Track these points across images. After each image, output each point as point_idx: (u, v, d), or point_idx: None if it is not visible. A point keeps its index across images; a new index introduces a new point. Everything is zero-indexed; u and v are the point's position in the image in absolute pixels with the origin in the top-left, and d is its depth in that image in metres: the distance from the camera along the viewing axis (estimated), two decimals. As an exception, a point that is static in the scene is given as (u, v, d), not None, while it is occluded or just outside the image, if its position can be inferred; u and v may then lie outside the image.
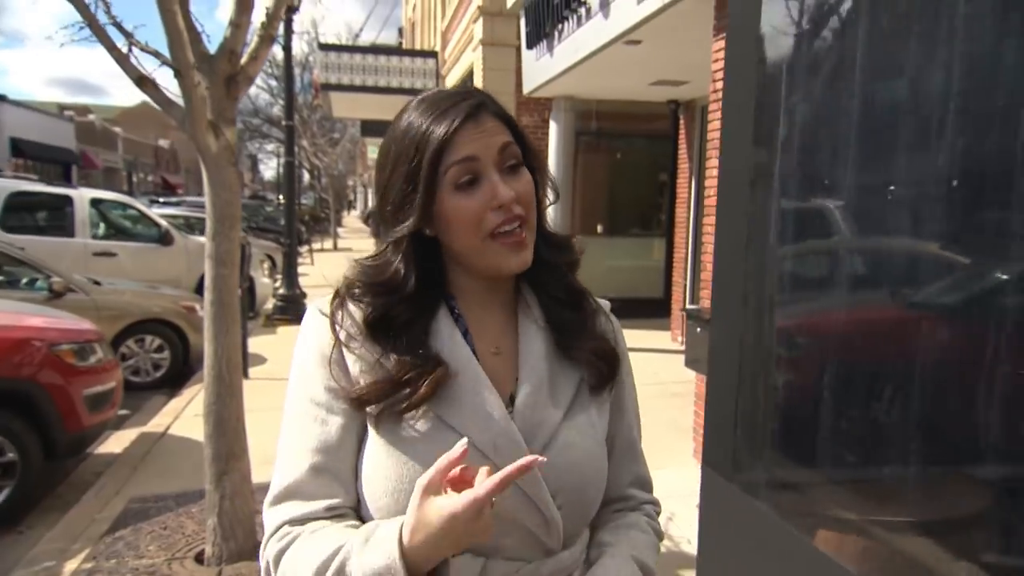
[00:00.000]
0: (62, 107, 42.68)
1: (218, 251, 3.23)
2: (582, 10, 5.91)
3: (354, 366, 0.92)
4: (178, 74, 3.02)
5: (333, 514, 0.90)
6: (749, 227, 1.46)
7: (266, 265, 11.33)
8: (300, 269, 10.35)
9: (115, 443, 5.05)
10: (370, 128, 23.65)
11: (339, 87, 12.32)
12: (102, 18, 3.19)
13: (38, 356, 3.88)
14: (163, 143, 51.98)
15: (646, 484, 1.12)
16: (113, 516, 3.73)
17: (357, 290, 0.95)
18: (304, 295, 9.65)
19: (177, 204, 16.81)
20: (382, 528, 0.83)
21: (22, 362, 3.83)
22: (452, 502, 0.75)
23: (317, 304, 0.98)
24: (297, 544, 0.87)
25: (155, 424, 5.34)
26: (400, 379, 0.89)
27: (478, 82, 9.54)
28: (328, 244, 24.26)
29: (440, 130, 0.88)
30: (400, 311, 0.93)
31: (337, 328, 0.93)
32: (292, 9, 3.15)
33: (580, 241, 1.06)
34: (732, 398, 1.61)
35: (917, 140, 1.15)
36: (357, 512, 0.93)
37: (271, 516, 0.91)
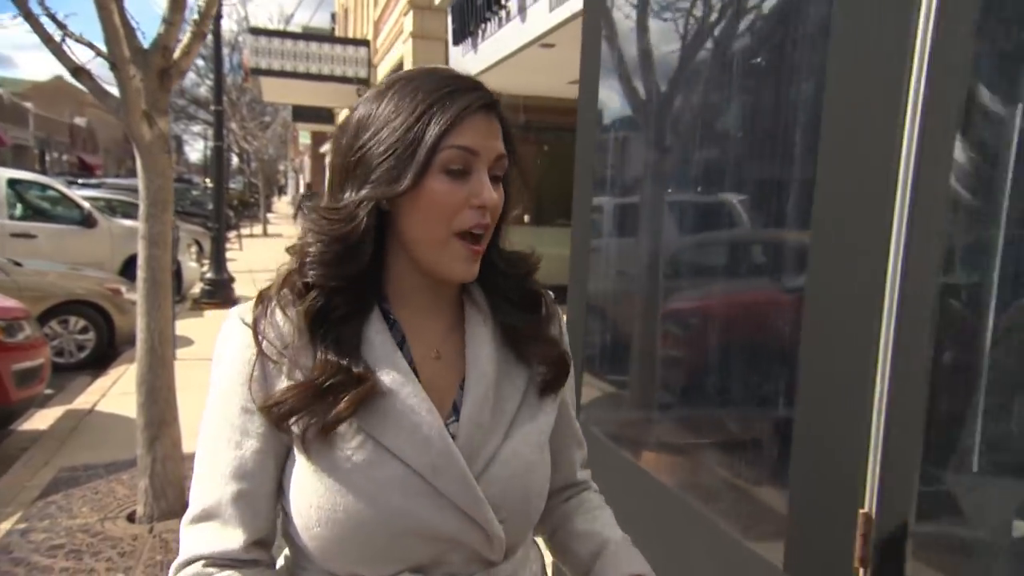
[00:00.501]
0: (-33, 79, 40.54)
1: (151, 232, 3.47)
2: (502, 12, 6.30)
3: (278, 382, 0.85)
4: (114, 67, 3.26)
5: (251, 557, 0.86)
6: (593, 219, 1.86)
7: (193, 249, 11.34)
8: (228, 255, 10.43)
9: (40, 420, 5.18)
10: (302, 113, 23.44)
11: (269, 72, 12.37)
12: (36, 9, 3.42)
13: (-33, 331, 4.06)
14: (79, 121, 49.91)
15: (586, 462, 1.12)
16: (43, 484, 3.95)
17: (310, 245, 0.86)
18: (232, 280, 9.77)
19: (97, 186, 16.43)
20: None
21: (-48, 337, 4.00)
22: None
23: (238, 311, 0.90)
24: None
25: (81, 401, 5.49)
26: (322, 384, 0.82)
27: (408, 73, 9.80)
28: (258, 230, 24.00)
29: (455, 107, 0.83)
30: (338, 303, 0.85)
31: (260, 338, 0.85)
32: (222, -1, 3.33)
33: (536, 254, 1.01)
34: (580, 351, 2.01)
35: (684, 155, 1.58)
36: (270, 551, 0.91)
37: (187, 537, 0.87)
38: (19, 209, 8.69)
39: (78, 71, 3.31)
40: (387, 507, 0.82)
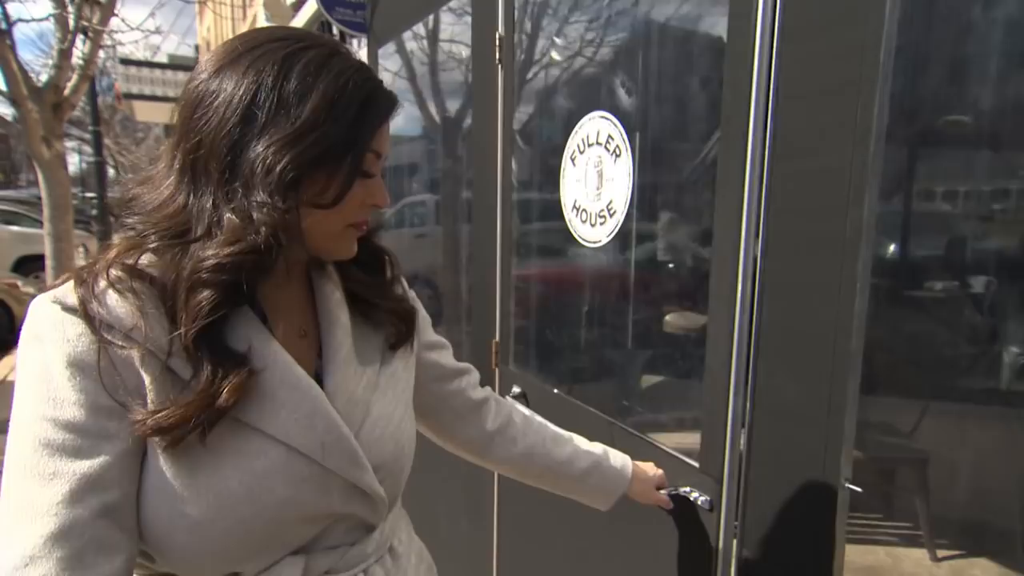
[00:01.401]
0: None
1: (56, 230, 3.64)
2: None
3: (131, 370, 0.58)
4: (14, 103, 3.39)
5: None
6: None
7: (81, 251, 10.58)
8: (114, 253, 9.89)
9: (-47, 396, 5.00)
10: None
11: (140, 96, 11.70)
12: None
13: None
14: (-56, 138, 42.52)
15: (478, 381, 0.97)
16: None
17: (213, 247, 0.59)
18: (120, 274, 9.35)
19: (-26, 198, 14.56)
20: None
21: None
22: None
23: (51, 298, 0.59)
24: None
25: (-8, 377, 5.32)
26: (210, 391, 0.58)
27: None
28: (138, 234, 22.15)
29: (382, 111, 0.65)
30: (219, 299, 0.60)
31: (98, 325, 0.57)
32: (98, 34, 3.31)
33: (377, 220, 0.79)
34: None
35: (431, 164, 2.26)
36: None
37: None
38: (-97, 220, 7.81)
39: (-18, 105, 3.39)
40: (270, 499, 0.61)
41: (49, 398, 0.56)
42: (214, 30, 18.36)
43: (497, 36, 1.63)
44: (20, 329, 0.61)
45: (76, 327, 0.58)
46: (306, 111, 0.60)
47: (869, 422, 1.02)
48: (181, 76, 11.88)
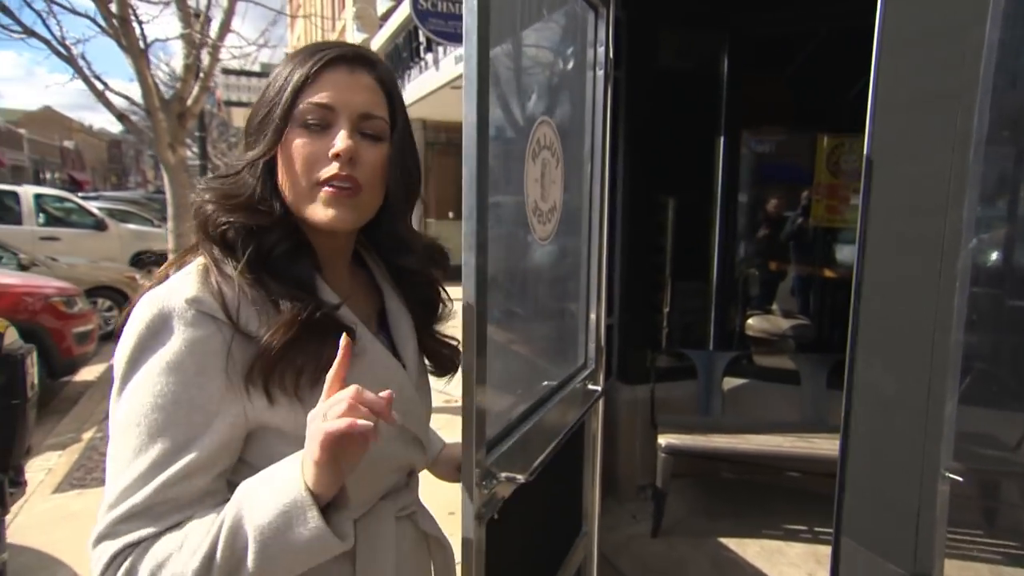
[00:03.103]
0: (-39, 109, 37.36)
1: (179, 228, 4.01)
2: (421, 63, 6.93)
3: (244, 350, 0.66)
4: (148, 113, 3.77)
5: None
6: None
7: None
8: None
9: (87, 373, 5.51)
10: (265, 134, 23.17)
11: (239, 104, 12.51)
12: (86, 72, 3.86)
13: (39, 304, 4.45)
14: (68, 144, 46.77)
15: None
16: (106, 409, 4.42)
17: (220, 218, 0.70)
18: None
19: (96, 198, 15.99)
20: (279, 469, 0.64)
21: (31, 308, 4.40)
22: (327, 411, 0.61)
23: (178, 293, 0.66)
24: (159, 545, 0.62)
25: (118, 359, 5.87)
26: (304, 320, 0.67)
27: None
28: (232, 230, 23.63)
29: (308, 64, 0.71)
30: (276, 240, 0.71)
31: (231, 311, 0.66)
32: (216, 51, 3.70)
33: (443, 249, 0.89)
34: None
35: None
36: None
37: (124, 527, 0.63)
38: (42, 218, 8.72)
39: (122, 117, 3.80)
40: (371, 454, 0.66)
41: (186, 384, 0.64)
42: (304, 39, 19.27)
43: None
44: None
45: (207, 321, 0.65)
46: (264, 88, 0.75)
47: (971, 433, 1.02)
48: (275, 84, 12.62)
